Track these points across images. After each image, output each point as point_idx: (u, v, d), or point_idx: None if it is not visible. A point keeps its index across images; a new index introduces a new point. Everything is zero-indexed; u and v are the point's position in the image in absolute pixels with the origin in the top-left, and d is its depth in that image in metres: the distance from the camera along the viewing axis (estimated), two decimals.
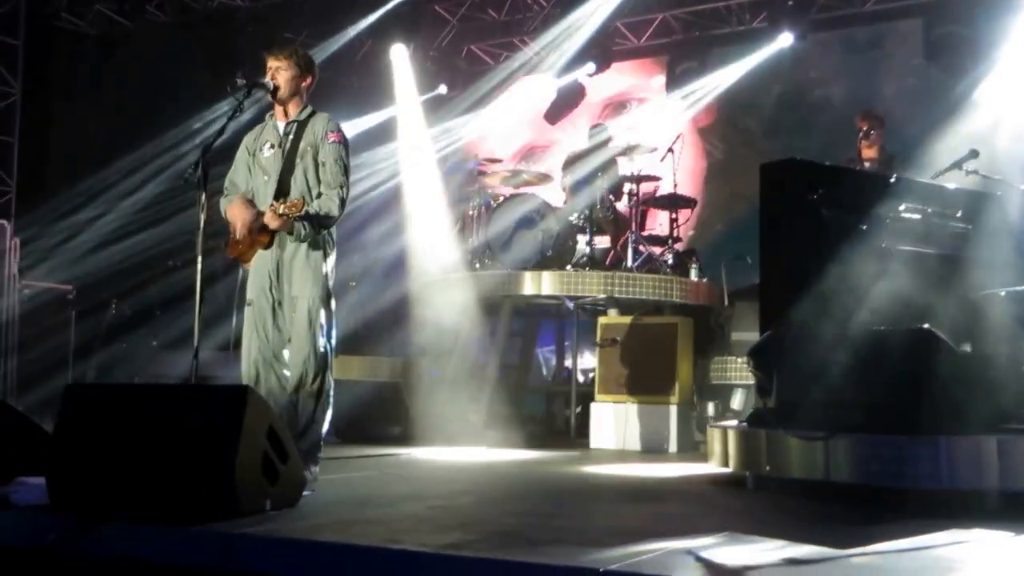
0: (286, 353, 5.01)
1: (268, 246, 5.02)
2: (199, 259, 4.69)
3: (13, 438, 4.27)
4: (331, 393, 5.04)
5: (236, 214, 5.03)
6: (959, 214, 5.67)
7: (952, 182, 6.07)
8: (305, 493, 4.29)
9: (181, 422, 3.86)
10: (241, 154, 5.20)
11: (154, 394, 4.25)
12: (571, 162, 9.42)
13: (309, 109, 5.18)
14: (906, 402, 4.49)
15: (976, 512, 4.10)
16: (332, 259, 5.13)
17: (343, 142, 5.10)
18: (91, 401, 4.14)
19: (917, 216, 5.50)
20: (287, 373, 4.97)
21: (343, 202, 5.01)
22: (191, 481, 3.72)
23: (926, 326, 4.67)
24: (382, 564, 3.07)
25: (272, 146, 5.12)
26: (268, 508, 3.87)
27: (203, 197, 4.69)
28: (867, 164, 7.83)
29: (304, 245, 5.00)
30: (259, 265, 5.08)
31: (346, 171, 5.07)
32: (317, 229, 5.01)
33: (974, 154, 6.15)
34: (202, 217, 4.68)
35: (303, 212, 4.83)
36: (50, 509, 3.81)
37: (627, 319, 8.12)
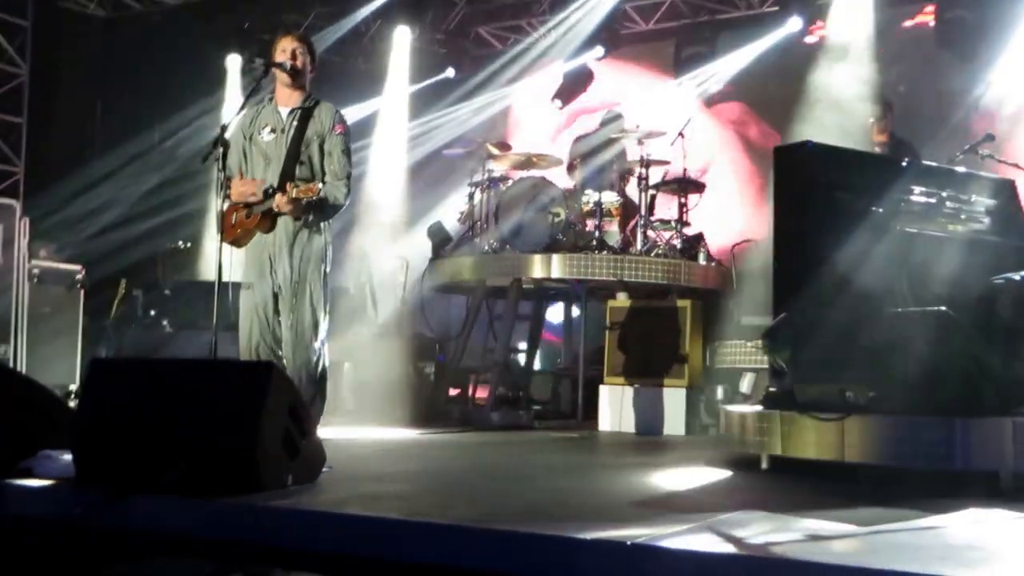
0: (284, 334, 5.09)
1: (269, 230, 5.07)
2: (220, 235, 4.72)
3: (37, 412, 4.29)
4: (327, 374, 5.16)
5: (245, 189, 5.09)
6: (972, 198, 5.68)
7: (965, 166, 6.08)
8: (324, 470, 4.32)
9: (205, 397, 3.88)
10: (236, 136, 5.21)
11: (179, 369, 4.27)
12: (581, 146, 9.42)
13: (313, 97, 5.26)
14: (921, 383, 4.50)
15: (992, 493, 4.12)
16: (331, 244, 5.25)
17: (348, 133, 5.25)
18: (116, 375, 4.17)
19: (930, 200, 5.51)
20: (286, 354, 5.05)
21: (349, 191, 5.17)
22: (214, 455, 3.74)
23: (942, 308, 4.69)
24: (417, 537, 3.06)
25: (273, 130, 5.16)
26: (289, 483, 3.89)
27: (222, 175, 4.73)
28: (877, 149, 7.85)
29: (308, 230, 5.12)
30: (257, 249, 5.15)
31: (351, 162, 5.23)
32: (324, 216, 5.13)
33: (990, 138, 6.15)
34: (221, 194, 4.72)
35: (316, 197, 4.91)
36: (76, 482, 3.83)
37: (636, 303, 8.13)
